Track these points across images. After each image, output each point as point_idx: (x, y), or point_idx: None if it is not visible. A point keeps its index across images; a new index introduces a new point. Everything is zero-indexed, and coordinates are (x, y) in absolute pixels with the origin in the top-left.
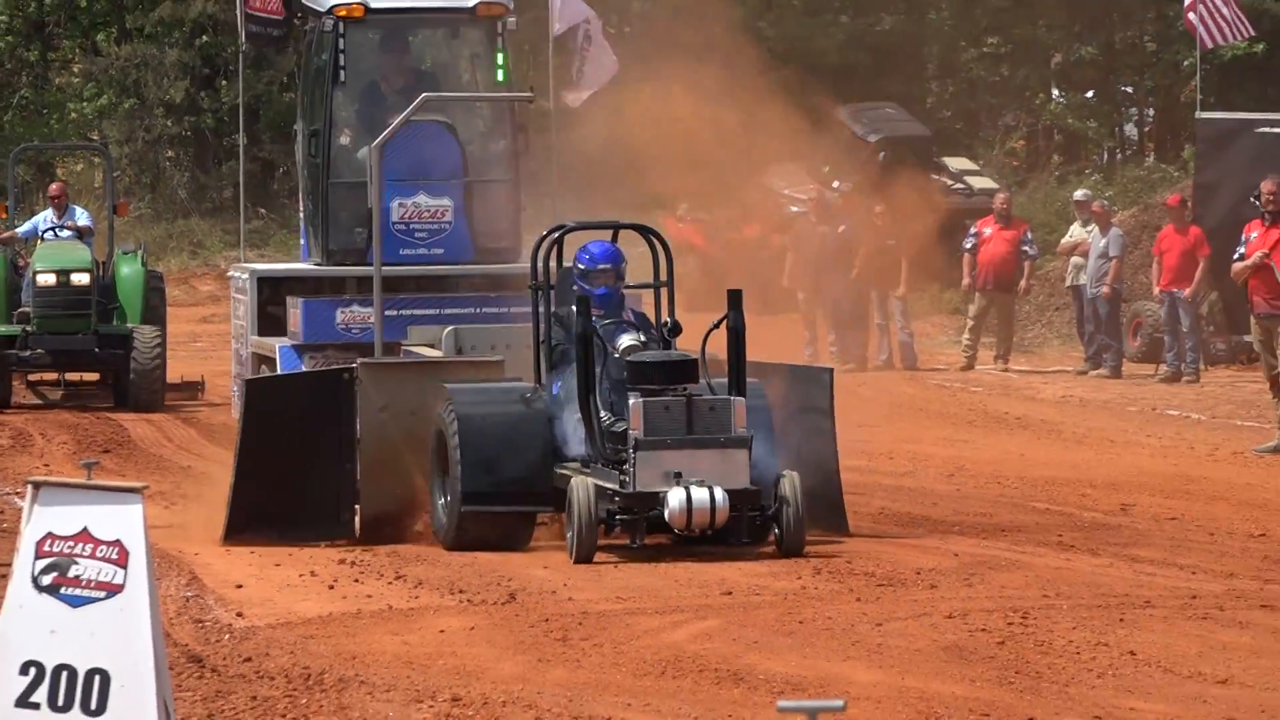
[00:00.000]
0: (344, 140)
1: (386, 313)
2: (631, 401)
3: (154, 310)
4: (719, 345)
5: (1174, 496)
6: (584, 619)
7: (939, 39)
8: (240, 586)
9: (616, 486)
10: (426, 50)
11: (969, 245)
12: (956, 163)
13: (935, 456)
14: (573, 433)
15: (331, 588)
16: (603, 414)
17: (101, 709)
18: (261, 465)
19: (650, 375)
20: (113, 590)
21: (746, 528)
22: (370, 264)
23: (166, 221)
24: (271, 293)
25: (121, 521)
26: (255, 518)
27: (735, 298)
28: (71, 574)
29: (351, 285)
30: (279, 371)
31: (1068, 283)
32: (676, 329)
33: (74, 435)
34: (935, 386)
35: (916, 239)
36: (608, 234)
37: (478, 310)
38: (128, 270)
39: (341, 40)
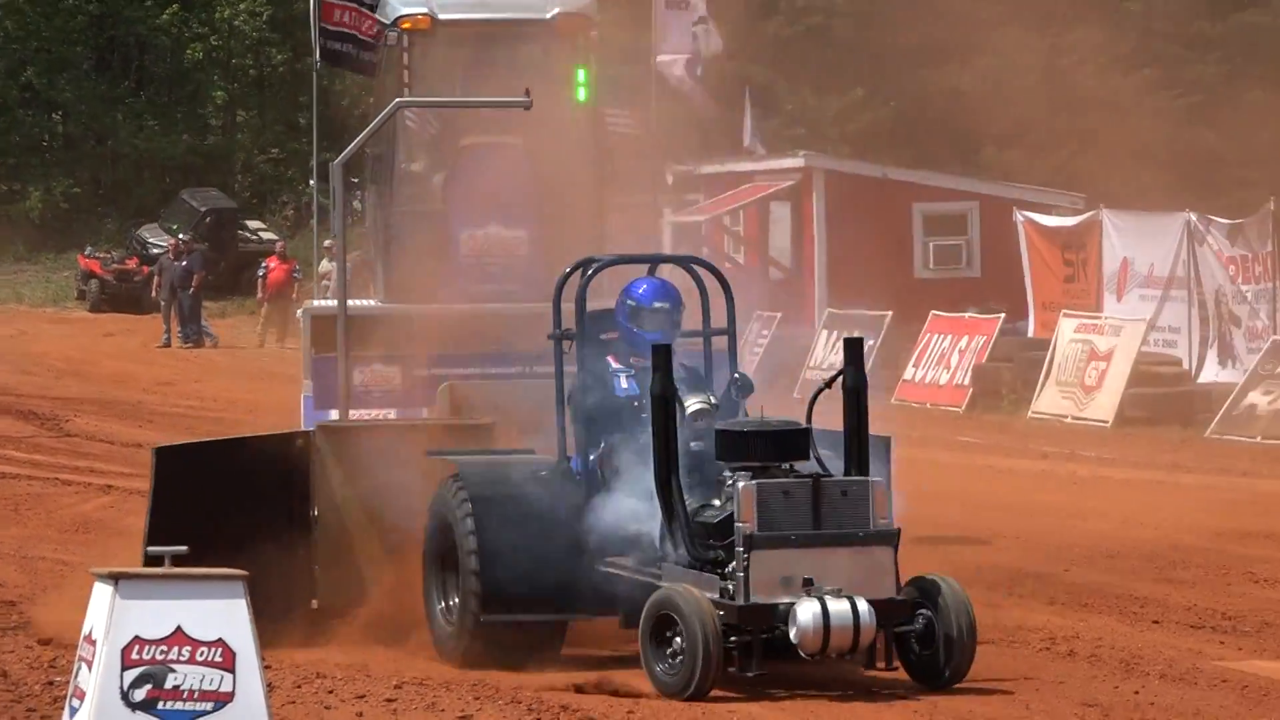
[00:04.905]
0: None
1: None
2: (741, 485)
3: None
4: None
5: None
6: (29, 497)
7: (244, 151)
8: None
9: (717, 596)
10: (501, 66)
11: (261, 273)
12: (255, 224)
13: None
14: (619, 520)
15: None
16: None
17: None
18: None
19: (750, 449)
20: (221, 700)
21: (890, 649)
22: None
23: None
24: None
25: (223, 617)
26: None
27: (855, 347)
28: (169, 684)
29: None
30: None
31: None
32: (748, 386)
33: None
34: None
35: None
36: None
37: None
38: None
39: (407, 55)
